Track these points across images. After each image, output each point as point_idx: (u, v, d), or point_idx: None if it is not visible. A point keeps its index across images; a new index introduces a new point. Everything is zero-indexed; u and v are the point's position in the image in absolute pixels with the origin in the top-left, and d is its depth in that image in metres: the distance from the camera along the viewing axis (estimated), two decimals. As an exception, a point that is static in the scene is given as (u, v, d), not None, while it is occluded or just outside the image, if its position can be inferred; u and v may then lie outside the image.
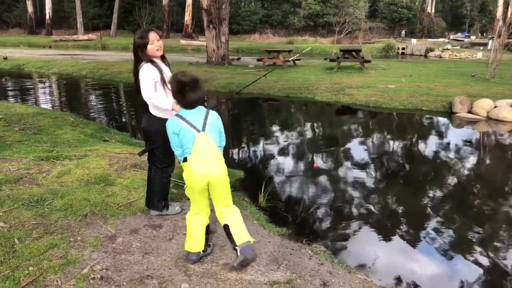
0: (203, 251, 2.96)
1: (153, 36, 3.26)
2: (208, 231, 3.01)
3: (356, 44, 30.95)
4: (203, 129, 2.72)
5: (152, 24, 36.30)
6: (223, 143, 2.91)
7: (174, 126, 2.78)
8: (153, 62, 3.28)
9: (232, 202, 2.91)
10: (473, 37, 39.44)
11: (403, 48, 31.41)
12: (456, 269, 3.48)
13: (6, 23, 43.89)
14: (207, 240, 3.00)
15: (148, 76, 3.24)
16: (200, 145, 2.71)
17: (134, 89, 3.41)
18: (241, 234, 2.86)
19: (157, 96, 3.27)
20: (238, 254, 2.83)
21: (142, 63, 3.27)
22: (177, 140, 2.79)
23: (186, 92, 2.69)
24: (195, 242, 2.91)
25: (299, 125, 8.71)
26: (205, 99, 3.13)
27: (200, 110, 2.80)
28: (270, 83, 12.54)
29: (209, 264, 2.93)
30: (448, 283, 3.30)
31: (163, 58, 3.43)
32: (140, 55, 3.26)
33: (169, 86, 3.33)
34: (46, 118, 7.46)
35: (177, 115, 2.81)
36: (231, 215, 2.88)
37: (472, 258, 3.62)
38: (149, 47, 3.26)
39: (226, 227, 2.89)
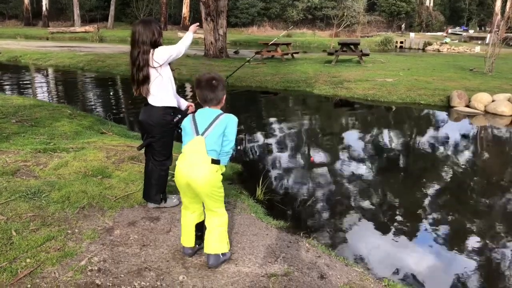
0: (198, 244, 2.96)
1: None
2: (202, 228, 2.90)
3: (354, 38, 30.85)
4: (203, 133, 2.65)
5: (149, 16, 36.07)
6: (226, 149, 2.71)
7: (185, 121, 2.80)
8: None
9: (220, 208, 2.76)
10: (471, 31, 39.36)
11: (401, 42, 31.34)
12: (453, 263, 3.50)
13: (3, 15, 43.55)
14: (201, 236, 2.91)
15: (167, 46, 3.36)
16: (191, 147, 2.67)
17: (140, 79, 3.32)
18: (211, 244, 2.77)
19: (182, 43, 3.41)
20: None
21: (152, 50, 3.28)
22: (184, 134, 2.79)
23: (198, 87, 2.75)
24: (184, 236, 2.93)
25: (297, 118, 8.70)
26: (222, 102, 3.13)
27: (212, 113, 2.71)
28: (268, 76, 12.51)
29: (207, 257, 2.93)
30: (445, 276, 3.32)
31: None
32: (158, 41, 3.32)
33: (171, 79, 3.43)
34: (43, 110, 7.42)
35: (193, 112, 2.84)
36: (213, 220, 2.77)
37: (469, 252, 3.65)
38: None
39: (204, 226, 2.86)
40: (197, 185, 2.64)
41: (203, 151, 2.63)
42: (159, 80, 3.34)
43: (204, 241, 2.81)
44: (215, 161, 2.65)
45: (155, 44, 3.30)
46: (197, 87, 2.76)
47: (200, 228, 2.92)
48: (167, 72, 3.40)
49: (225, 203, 3.91)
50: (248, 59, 5.70)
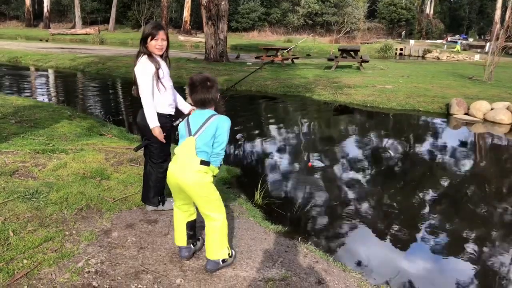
0: (193, 244, 2.97)
1: (161, 34, 3.30)
2: (194, 227, 2.95)
3: (354, 44, 30.96)
4: (194, 134, 2.65)
5: (150, 19, 36.18)
6: (216, 151, 2.66)
7: (181, 124, 2.82)
8: (151, 57, 3.28)
9: (214, 213, 2.69)
10: (470, 40, 39.53)
11: (401, 49, 31.45)
12: (450, 269, 3.50)
13: (4, 16, 43.69)
14: (193, 236, 2.97)
15: (147, 74, 3.23)
16: (182, 148, 2.68)
17: (133, 79, 3.36)
18: (210, 250, 2.77)
19: (151, 104, 3.26)
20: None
21: (141, 55, 3.27)
22: (180, 136, 2.80)
23: (193, 90, 2.70)
24: (176, 235, 2.94)
25: (295, 123, 8.71)
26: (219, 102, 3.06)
27: (205, 114, 2.70)
28: (268, 81, 12.54)
29: (204, 260, 2.91)
30: (442, 282, 3.31)
31: (165, 58, 3.43)
32: (141, 45, 3.29)
33: (163, 83, 3.33)
34: (43, 111, 7.42)
35: (188, 115, 2.82)
36: (209, 225, 2.75)
37: (466, 259, 3.64)
38: (152, 42, 3.28)
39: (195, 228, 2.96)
40: (187, 187, 2.64)
41: (193, 152, 2.63)
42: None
43: (206, 248, 2.81)
44: (204, 162, 2.63)
45: (140, 43, 3.31)
46: (192, 90, 2.70)
47: (192, 228, 2.94)
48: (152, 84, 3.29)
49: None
50: (260, 65, 5.75)
